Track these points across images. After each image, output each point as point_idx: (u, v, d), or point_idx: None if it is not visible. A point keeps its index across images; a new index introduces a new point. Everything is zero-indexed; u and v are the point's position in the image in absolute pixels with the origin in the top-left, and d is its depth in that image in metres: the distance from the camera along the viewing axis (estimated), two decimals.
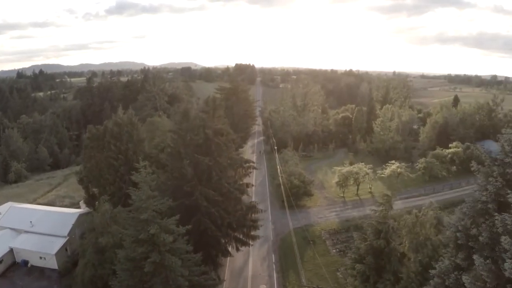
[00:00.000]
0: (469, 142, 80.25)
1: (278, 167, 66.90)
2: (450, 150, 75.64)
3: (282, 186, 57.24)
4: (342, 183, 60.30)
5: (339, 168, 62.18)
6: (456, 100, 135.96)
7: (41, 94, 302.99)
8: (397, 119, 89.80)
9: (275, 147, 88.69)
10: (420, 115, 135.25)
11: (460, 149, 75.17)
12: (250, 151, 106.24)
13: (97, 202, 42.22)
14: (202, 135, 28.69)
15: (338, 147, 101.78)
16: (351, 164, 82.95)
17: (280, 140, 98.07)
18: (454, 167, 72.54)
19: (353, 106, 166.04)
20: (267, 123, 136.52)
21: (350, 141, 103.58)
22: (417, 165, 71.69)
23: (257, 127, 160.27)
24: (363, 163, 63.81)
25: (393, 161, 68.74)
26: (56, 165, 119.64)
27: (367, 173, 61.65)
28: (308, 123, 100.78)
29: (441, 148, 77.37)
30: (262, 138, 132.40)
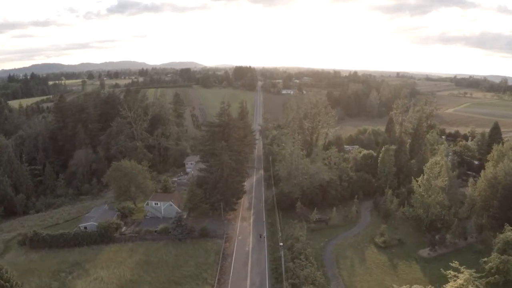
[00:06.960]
0: None
1: (284, 282, 43.76)
2: None
3: None
4: None
5: None
6: (497, 130, 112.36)
7: (28, 101, 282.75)
8: (445, 172, 66.39)
9: (279, 212, 66.30)
10: (452, 147, 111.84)
11: None
12: (246, 204, 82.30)
13: None
14: None
15: (361, 199, 78.08)
16: (384, 243, 60.30)
17: (286, 196, 74.95)
18: None
19: (370, 128, 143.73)
20: (268, 158, 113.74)
21: (377, 192, 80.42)
22: (485, 262, 49.09)
23: (258, 141, 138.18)
24: (419, 286, 40.57)
25: (456, 262, 45.85)
26: (10, 212, 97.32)
27: None
28: (322, 171, 77.02)
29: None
30: (262, 173, 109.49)
